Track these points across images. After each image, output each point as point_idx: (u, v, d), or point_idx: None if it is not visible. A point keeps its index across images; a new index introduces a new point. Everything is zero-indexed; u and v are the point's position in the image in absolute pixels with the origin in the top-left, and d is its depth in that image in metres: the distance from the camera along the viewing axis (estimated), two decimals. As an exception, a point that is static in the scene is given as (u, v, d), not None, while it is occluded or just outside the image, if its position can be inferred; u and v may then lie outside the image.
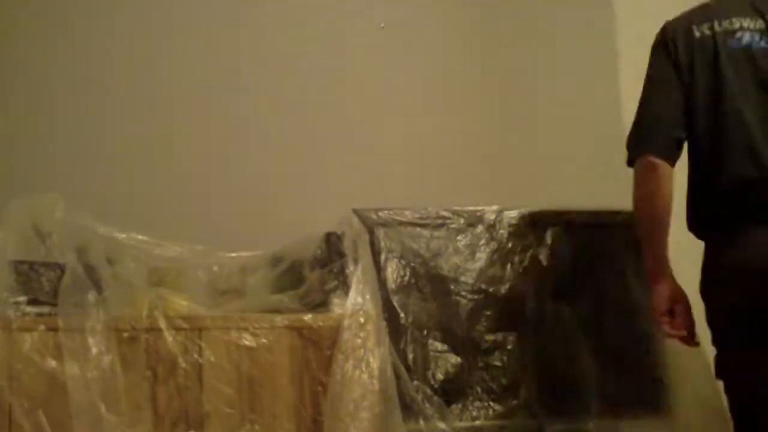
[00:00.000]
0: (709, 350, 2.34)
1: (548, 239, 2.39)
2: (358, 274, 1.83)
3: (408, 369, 2.11)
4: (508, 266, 2.33)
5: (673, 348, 2.32)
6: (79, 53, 2.62)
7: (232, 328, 1.74)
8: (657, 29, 2.22)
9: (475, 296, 2.27)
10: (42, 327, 1.63)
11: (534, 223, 2.39)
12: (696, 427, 2.34)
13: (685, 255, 2.88)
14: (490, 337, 2.24)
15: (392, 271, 2.22)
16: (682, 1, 2.25)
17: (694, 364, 2.31)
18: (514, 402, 2.17)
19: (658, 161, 2.04)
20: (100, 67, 2.63)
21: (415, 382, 2.09)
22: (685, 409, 2.33)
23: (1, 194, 1.87)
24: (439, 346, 2.20)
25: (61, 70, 2.60)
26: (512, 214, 2.38)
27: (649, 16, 2.62)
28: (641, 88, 2.25)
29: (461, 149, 2.83)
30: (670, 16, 2.21)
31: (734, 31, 2.07)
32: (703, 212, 2.11)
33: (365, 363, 1.73)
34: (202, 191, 2.57)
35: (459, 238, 2.32)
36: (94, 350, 1.63)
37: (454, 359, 2.20)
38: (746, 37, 2.06)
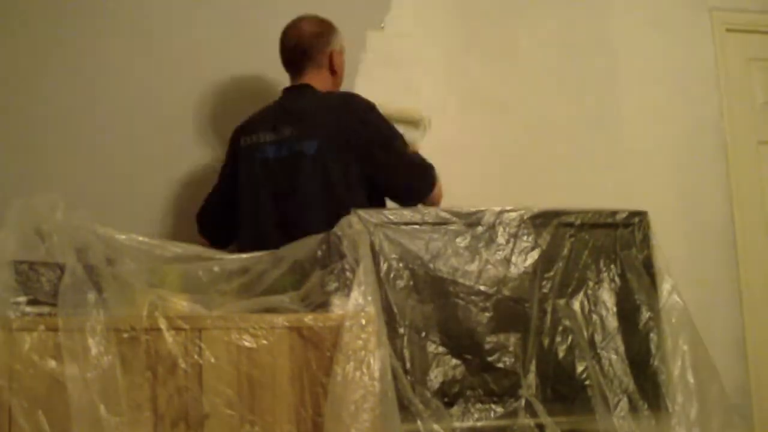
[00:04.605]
0: (710, 348, 2.35)
1: (548, 239, 2.39)
2: (359, 275, 1.83)
3: (406, 371, 2.11)
4: (508, 267, 2.33)
5: (674, 347, 2.32)
6: (79, 54, 2.63)
7: (232, 328, 1.73)
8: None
9: (475, 297, 2.27)
10: (42, 327, 1.62)
11: (534, 223, 2.39)
12: (696, 426, 2.34)
13: (683, 254, 2.89)
14: (490, 339, 2.24)
15: (391, 272, 2.22)
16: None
17: (695, 363, 2.32)
18: (515, 403, 2.17)
19: None
20: (101, 68, 2.63)
21: (414, 384, 2.09)
22: (685, 408, 2.33)
23: (1, 194, 1.87)
24: (439, 347, 2.20)
25: (61, 70, 2.60)
26: (512, 215, 2.38)
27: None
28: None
29: (461, 149, 2.83)
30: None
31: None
32: None
33: (366, 364, 1.72)
34: (203, 192, 2.57)
35: (458, 239, 2.32)
36: (93, 350, 1.62)
37: (454, 361, 2.19)
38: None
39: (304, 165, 2.26)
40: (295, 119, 2.32)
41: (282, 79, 2.52)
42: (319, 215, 2.22)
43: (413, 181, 2.41)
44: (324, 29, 2.46)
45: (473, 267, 2.30)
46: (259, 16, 2.77)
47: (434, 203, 2.47)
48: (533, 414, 2.15)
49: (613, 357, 2.30)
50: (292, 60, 2.44)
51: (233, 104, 2.70)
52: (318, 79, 2.42)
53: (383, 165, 2.33)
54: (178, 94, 2.69)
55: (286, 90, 2.45)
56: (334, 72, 2.45)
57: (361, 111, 2.35)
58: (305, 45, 2.42)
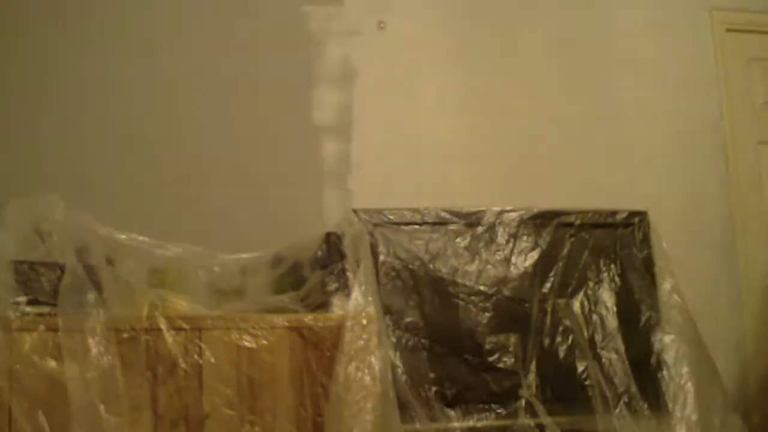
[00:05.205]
0: (710, 348, 2.34)
1: (548, 239, 2.38)
2: (360, 275, 1.82)
3: (406, 371, 2.10)
4: (508, 267, 2.33)
5: (674, 347, 2.32)
6: (80, 54, 2.62)
7: (232, 328, 1.73)
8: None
9: (475, 297, 2.27)
10: (42, 327, 1.63)
11: (534, 223, 2.39)
12: (695, 426, 2.34)
13: (683, 254, 2.88)
14: (490, 339, 2.23)
15: (391, 272, 2.22)
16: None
17: (695, 363, 2.32)
18: (515, 403, 2.17)
19: None
20: (101, 68, 2.63)
21: (414, 384, 2.09)
22: (685, 408, 2.33)
23: (1, 194, 1.86)
24: (439, 347, 2.20)
25: (62, 70, 2.60)
26: (512, 215, 2.38)
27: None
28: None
29: (461, 150, 2.82)
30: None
31: None
32: None
33: (368, 365, 1.72)
34: (203, 192, 2.57)
35: (458, 239, 2.32)
36: (93, 350, 1.62)
37: (454, 361, 2.19)
38: None
39: None
40: None
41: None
42: None
43: None
44: None
45: (473, 267, 2.30)
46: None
47: None
48: (533, 414, 2.15)
49: (613, 357, 2.30)
50: None
51: (235, 103, 2.70)
52: None
53: None
54: (181, 94, 2.68)
55: None
56: None
57: None
58: None
